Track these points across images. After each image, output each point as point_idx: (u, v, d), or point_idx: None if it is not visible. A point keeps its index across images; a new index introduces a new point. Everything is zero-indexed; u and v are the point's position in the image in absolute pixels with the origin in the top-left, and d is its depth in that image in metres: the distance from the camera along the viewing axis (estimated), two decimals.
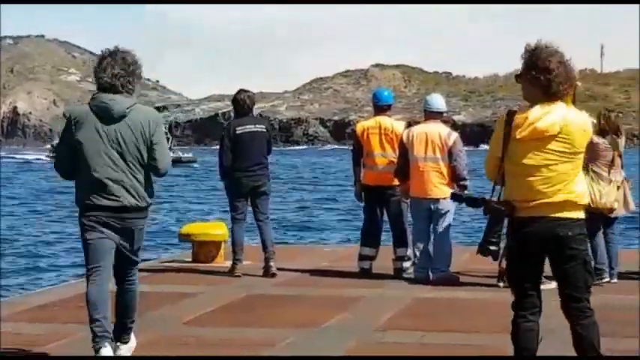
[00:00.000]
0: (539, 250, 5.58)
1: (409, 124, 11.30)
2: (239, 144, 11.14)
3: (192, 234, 12.47)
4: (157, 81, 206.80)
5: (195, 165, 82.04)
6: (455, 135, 10.87)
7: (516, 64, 5.67)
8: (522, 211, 5.55)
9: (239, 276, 11.08)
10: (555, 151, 5.49)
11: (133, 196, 6.58)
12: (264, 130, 11.37)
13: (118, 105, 6.52)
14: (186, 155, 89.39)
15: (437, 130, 10.79)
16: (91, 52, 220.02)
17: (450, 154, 10.70)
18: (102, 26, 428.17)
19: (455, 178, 10.75)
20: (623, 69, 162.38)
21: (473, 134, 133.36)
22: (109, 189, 6.53)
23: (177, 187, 51.13)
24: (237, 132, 11.17)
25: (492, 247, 5.63)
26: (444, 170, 10.70)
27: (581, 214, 5.58)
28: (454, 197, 6.77)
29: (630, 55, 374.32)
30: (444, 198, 10.69)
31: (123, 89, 6.56)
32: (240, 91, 11.51)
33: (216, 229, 12.65)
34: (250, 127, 11.25)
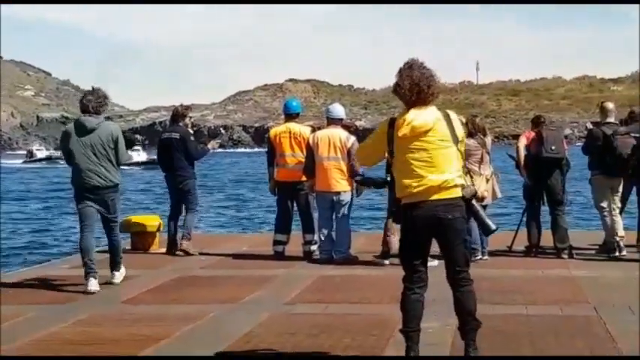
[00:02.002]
0: (426, 230, 5.60)
1: (315, 129, 11.33)
2: (161, 148, 11.71)
3: (131, 225, 12.31)
4: None
5: None
6: (352, 138, 10.94)
7: None
8: (410, 197, 5.57)
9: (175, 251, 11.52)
10: (431, 142, 5.53)
11: (103, 179, 8.86)
12: (178, 137, 11.49)
13: (89, 122, 8.88)
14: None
15: (338, 134, 10.84)
16: (44, 71, 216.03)
17: (349, 154, 10.76)
18: (54, 48, 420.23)
19: (352, 174, 10.83)
20: (495, 81, 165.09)
21: None
22: (88, 175, 8.83)
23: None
24: (161, 138, 11.80)
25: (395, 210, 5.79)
26: (344, 168, 10.76)
27: (455, 196, 5.55)
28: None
29: (500, 69, 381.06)
30: (345, 191, 10.78)
31: (94, 111, 8.89)
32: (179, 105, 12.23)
33: (152, 221, 12.53)
34: (168, 135, 11.68)
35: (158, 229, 12.44)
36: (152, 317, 7.65)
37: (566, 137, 11.47)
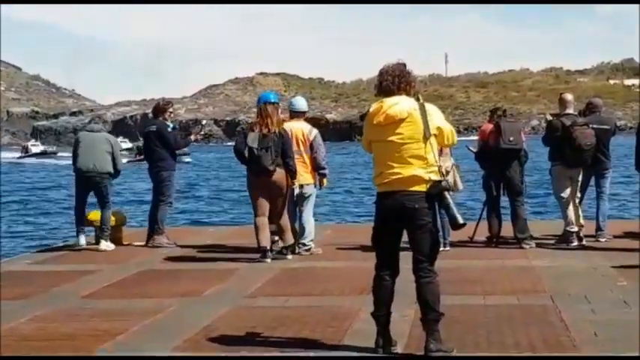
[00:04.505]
0: (394, 220, 5.70)
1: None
2: (145, 141, 12.13)
3: (95, 220, 12.14)
4: (73, 90, 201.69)
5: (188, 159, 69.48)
6: (315, 131, 10.90)
7: (377, 71, 5.87)
8: (381, 186, 5.73)
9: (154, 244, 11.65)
10: (403, 136, 5.63)
11: (100, 168, 11.46)
12: (154, 130, 11.84)
13: (96, 127, 12.10)
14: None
15: (300, 127, 10.79)
16: (14, 66, 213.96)
17: (311, 147, 10.72)
18: (24, 43, 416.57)
19: (316, 167, 10.80)
20: (464, 73, 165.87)
21: (343, 130, 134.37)
22: (90, 165, 11.47)
23: None
24: (144, 132, 12.17)
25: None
26: (307, 161, 10.71)
27: (421, 190, 5.63)
28: None
29: (469, 61, 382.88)
30: (308, 184, 10.74)
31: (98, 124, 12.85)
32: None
33: (116, 215, 12.41)
34: (147, 128, 12.03)
35: (123, 223, 12.37)
36: (112, 312, 7.56)
37: (533, 128, 11.54)
